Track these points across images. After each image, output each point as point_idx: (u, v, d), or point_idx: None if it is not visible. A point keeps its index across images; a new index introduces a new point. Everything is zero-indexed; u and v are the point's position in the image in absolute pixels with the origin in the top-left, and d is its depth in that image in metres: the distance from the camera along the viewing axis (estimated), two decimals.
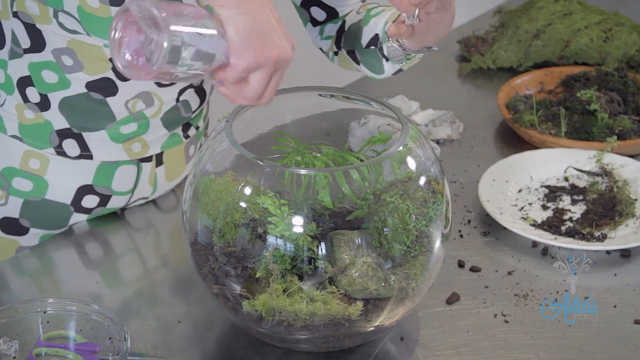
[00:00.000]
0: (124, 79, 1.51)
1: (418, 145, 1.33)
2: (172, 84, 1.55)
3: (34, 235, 1.61)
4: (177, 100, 1.58)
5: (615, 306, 1.45)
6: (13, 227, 1.60)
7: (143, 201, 1.67)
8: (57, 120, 1.54)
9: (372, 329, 1.32)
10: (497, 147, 1.85)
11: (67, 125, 1.54)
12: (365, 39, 1.58)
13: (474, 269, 1.52)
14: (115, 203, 1.63)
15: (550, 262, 1.54)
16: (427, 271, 1.32)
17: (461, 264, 1.53)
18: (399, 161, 1.31)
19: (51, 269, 1.55)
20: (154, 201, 1.68)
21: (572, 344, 1.39)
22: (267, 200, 1.26)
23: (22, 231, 1.61)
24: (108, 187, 1.60)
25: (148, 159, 1.62)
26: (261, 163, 1.28)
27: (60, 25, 1.45)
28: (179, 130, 1.63)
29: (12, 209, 1.59)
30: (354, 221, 1.33)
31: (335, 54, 1.65)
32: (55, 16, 1.45)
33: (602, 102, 1.84)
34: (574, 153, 1.75)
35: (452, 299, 1.46)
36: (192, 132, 1.65)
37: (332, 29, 1.64)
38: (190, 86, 1.59)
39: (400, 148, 1.31)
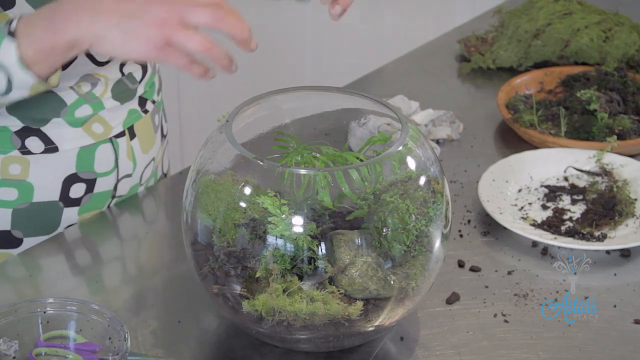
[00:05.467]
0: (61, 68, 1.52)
1: (418, 145, 1.33)
2: (108, 61, 1.57)
3: (28, 246, 1.59)
4: (122, 74, 1.60)
5: (615, 306, 1.45)
6: (5, 240, 1.59)
7: (129, 180, 1.66)
8: (11, 121, 1.53)
9: (372, 328, 1.32)
10: (496, 147, 1.85)
11: (22, 125, 1.54)
12: None
13: (474, 269, 1.52)
14: (101, 187, 1.62)
15: (550, 262, 1.53)
16: (427, 271, 1.31)
17: (461, 264, 1.52)
18: (398, 161, 1.31)
19: (50, 269, 1.55)
20: (151, 199, 1.68)
21: (572, 344, 1.39)
22: (266, 200, 1.26)
23: (15, 243, 1.60)
24: (91, 170, 1.60)
25: (121, 134, 1.63)
26: (261, 163, 1.28)
27: None
28: (135, 106, 1.64)
29: (1, 221, 1.58)
30: (353, 221, 1.33)
31: None
32: None
33: (602, 102, 1.84)
34: (574, 153, 1.75)
35: (452, 299, 1.46)
36: (149, 106, 1.68)
37: None
38: None
39: (400, 148, 1.31)
